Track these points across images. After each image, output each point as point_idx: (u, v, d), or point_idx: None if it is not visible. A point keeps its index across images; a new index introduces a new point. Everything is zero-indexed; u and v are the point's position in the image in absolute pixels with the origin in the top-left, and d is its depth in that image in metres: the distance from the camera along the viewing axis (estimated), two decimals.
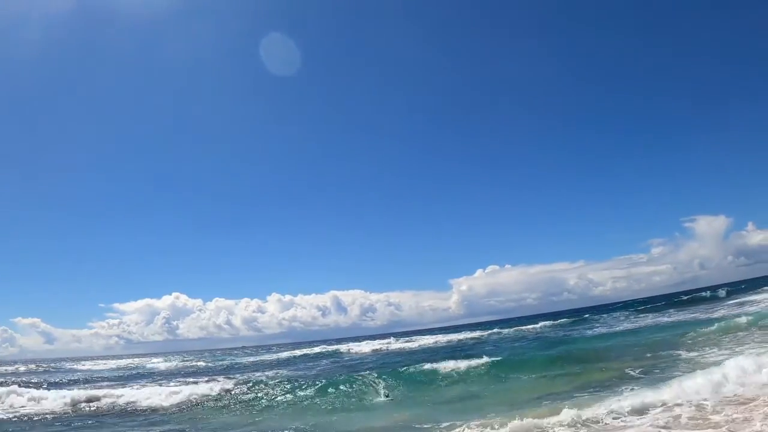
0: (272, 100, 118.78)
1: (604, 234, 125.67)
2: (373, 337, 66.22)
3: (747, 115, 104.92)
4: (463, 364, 18.72)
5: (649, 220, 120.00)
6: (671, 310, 40.01)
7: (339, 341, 71.98)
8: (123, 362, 55.70)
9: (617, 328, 31.16)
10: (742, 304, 33.21)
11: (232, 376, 24.69)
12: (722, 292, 53.66)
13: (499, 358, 19.69)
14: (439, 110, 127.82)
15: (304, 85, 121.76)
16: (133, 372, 37.85)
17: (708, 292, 57.36)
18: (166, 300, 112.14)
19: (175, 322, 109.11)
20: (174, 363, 46.96)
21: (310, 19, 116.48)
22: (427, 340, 43.28)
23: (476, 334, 45.37)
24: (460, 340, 40.44)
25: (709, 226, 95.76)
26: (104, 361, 62.29)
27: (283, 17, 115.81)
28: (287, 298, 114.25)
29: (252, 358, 47.87)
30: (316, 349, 47.83)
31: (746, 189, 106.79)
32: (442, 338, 44.03)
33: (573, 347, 22.70)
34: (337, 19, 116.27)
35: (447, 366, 18.78)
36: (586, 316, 52.51)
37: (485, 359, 19.06)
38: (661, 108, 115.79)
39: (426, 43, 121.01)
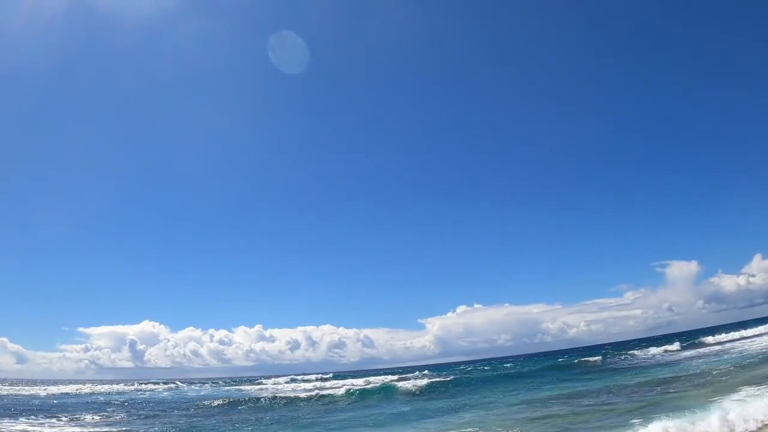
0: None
1: (578, 277, 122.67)
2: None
3: (719, 160, 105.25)
4: None
5: (622, 264, 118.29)
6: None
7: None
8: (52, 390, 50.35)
9: None
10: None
11: None
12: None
13: None
14: (418, 140, 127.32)
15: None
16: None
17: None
18: (135, 326, 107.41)
19: (143, 348, 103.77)
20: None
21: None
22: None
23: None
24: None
25: (681, 271, 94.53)
26: (45, 387, 56.60)
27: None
28: (256, 329, 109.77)
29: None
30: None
31: (716, 236, 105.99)
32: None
33: None
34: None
35: None
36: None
37: None
38: (635, 151, 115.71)
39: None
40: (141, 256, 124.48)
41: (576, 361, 39.38)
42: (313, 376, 51.99)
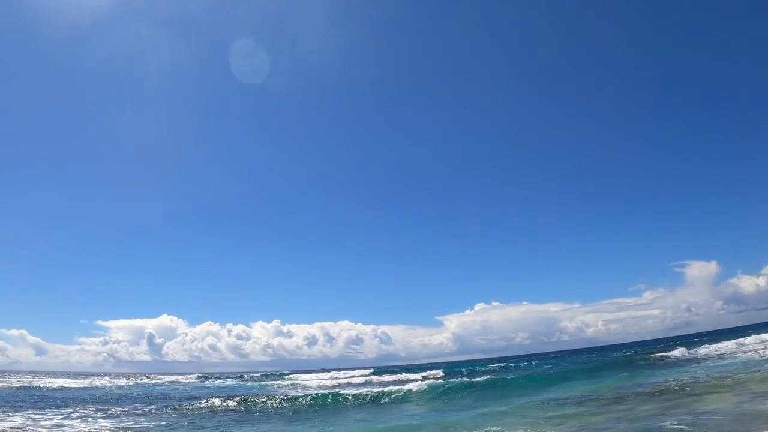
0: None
1: (597, 276, 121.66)
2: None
3: (739, 161, 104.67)
4: None
5: (641, 264, 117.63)
6: None
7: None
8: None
9: None
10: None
11: None
12: None
13: None
14: (429, 141, 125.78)
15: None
16: None
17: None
18: (153, 320, 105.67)
19: (161, 342, 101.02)
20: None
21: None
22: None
23: None
24: None
25: (700, 271, 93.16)
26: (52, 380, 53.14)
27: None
28: (273, 324, 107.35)
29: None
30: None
31: (736, 236, 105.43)
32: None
33: None
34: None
35: None
36: None
37: None
38: (655, 151, 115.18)
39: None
40: (159, 251, 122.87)
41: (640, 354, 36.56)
42: (358, 372, 49.39)
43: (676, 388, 16.16)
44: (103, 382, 50.83)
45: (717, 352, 31.22)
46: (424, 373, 38.80)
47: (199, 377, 60.63)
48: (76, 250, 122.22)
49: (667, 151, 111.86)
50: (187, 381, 52.78)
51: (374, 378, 39.49)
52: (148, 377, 60.02)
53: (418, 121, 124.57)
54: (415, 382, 26.07)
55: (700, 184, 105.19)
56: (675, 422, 10.15)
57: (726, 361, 24.76)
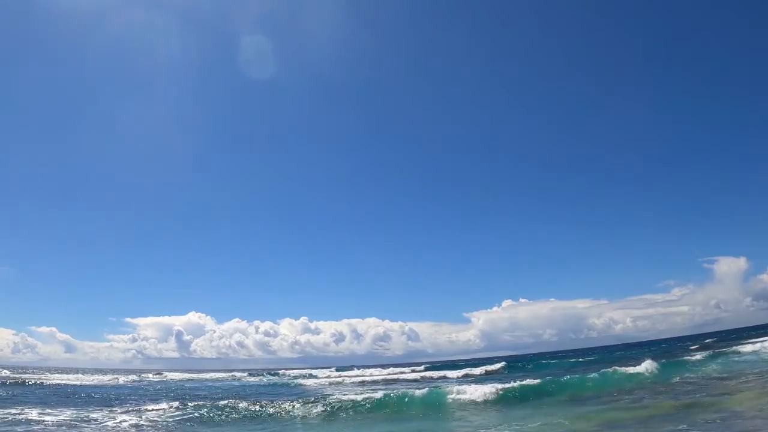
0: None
1: (625, 272, 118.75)
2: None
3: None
4: None
5: (669, 259, 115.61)
6: None
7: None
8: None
9: None
10: None
11: None
12: None
13: None
14: (448, 140, 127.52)
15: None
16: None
17: None
18: (181, 317, 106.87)
19: (189, 339, 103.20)
20: None
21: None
22: None
23: None
24: None
25: (729, 267, 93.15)
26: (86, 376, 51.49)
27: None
28: (301, 320, 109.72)
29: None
30: None
31: (766, 231, 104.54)
32: None
33: None
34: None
35: None
36: None
37: None
38: (683, 146, 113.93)
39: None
40: (188, 249, 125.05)
41: None
42: (414, 368, 51.74)
43: (704, 389, 15.62)
44: (149, 377, 51.32)
45: (746, 350, 29.11)
46: (485, 368, 40.46)
47: (250, 374, 60.79)
48: (105, 249, 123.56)
49: (696, 147, 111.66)
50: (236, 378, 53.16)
51: (431, 374, 39.74)
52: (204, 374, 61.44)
53: (429, 120, 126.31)
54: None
55: (728, 179, 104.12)
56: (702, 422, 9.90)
57: (755, 358, 24.23)
